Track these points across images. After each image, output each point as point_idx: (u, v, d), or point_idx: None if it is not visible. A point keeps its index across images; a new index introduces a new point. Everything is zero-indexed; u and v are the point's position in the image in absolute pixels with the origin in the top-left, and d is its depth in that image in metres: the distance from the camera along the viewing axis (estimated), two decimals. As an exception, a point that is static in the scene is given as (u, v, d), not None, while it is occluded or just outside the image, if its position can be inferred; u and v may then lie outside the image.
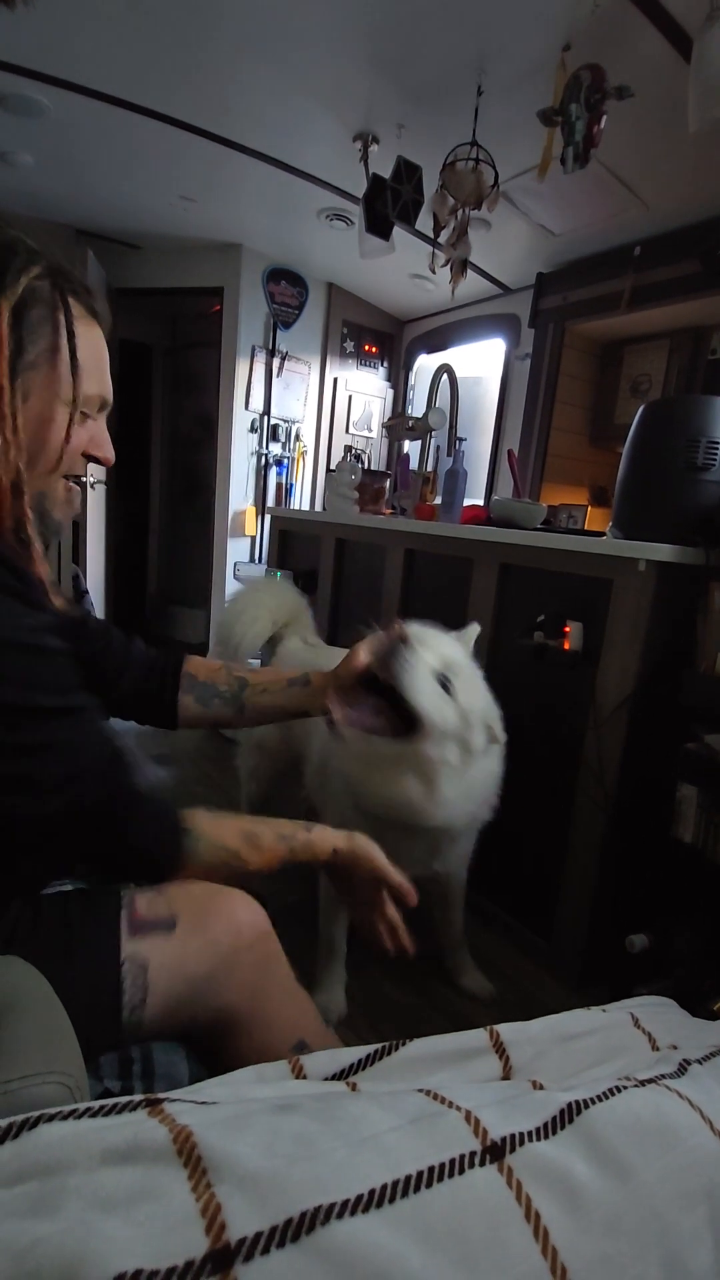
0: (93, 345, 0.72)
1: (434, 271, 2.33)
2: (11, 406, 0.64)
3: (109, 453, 0.78)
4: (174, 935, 0.69)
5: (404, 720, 1.01)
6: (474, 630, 1.27)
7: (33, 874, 0.72)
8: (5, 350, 0.63)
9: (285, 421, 3.60)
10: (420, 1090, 0.48)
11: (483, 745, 1.10)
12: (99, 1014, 0.63)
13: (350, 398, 3.81)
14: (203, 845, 0.75)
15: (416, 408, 3.80)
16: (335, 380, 3.74)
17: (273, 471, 3.60)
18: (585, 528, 2.67)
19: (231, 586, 3.61)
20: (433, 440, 2.41)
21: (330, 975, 1.39)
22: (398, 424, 2.49)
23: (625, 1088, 0.50)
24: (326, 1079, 0.58)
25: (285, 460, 3.62)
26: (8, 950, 0.58)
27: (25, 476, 0.67)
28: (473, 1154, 0.41)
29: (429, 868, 1.28)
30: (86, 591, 3.23)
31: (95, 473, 3.37)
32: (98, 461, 0.78)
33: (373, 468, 3.73)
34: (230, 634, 1.68)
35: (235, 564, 3.61)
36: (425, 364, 3.76)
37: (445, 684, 1.04)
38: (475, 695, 1.10)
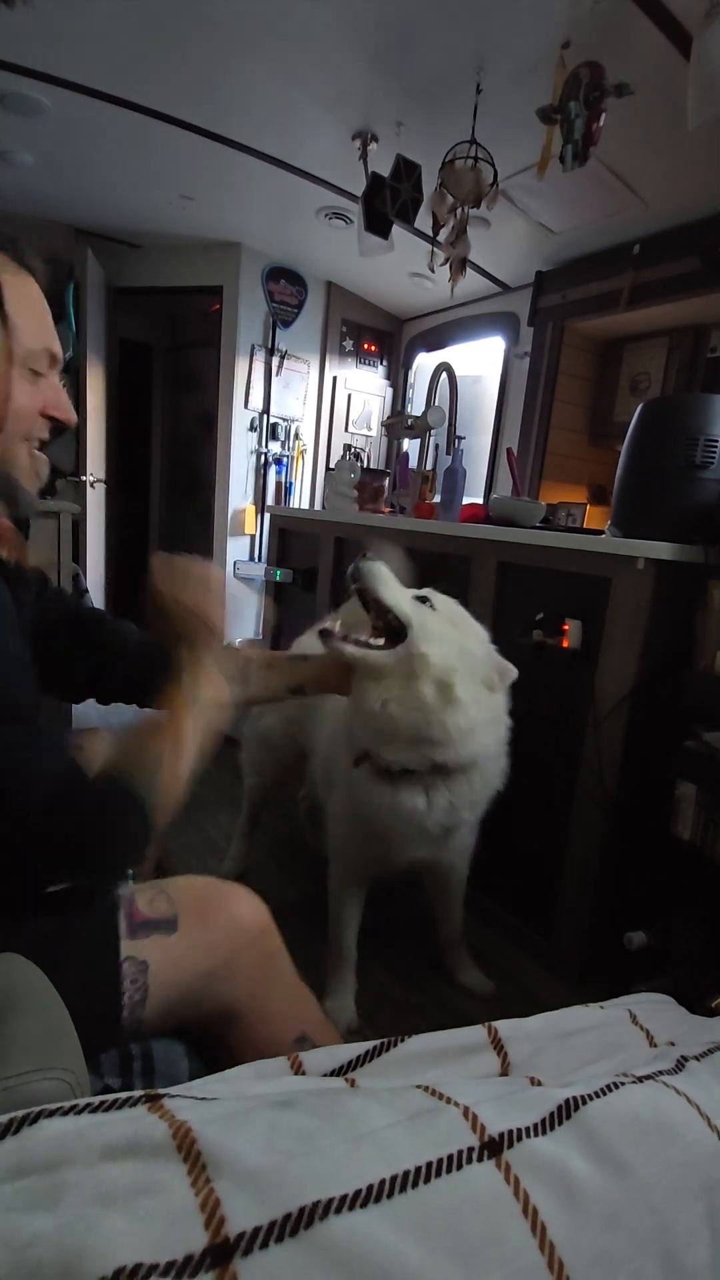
0: (29, 298, 0.68)
1: (433, 270, 2.33)
2: None
3: (70, 413, 0.74)
4: (175, 936, 0.69)
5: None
6: None
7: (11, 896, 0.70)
8: None
9: (285, 420, 3.60)
10: (419, 1086, 0.48)
11: (481, 655, 1.13)
12: (99, 1014, 0.63)
13: (349, 396, 3.81)
14: (151, 794, 0.70)
15: (416, 406, 3.80)
16: (334, 379, 3.74)
17: (272, 470, 3.60)
18: (584, 526, 2.68)
19: (232, 585, 3.60)
20: (432, 439, 2.41)
21: (340, 982, 1.38)
22: (397, 422, 2.49)
23: (623, 1084, 0.50)
24: (325, 1075, 0.58)
25: (285, 459, 3.62)
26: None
27: None
28: (471, 1150, 0.41)
29: (438, 853, 1.28)
30: (86, 590, 3.23)
31: (95, 471, 3.37)
32: (59, 423, 0.74)
33: (372, 466, 3.73)
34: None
35: (235, 562, 3.61)
36: (424, 362, 3.76)
37: (424, 600, 1.13)
38: (459, 612, 1.17)
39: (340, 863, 1.36)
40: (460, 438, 2.25)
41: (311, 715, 1.54)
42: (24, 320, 0.67)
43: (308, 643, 1.68)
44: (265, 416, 3.52)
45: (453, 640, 1.11)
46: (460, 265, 2.15)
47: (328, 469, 3.68)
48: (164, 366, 4.83)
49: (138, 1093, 0.44)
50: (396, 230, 2.31)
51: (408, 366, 3.90)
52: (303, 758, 1.64)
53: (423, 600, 1.14)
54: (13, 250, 0.67)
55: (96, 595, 3.54)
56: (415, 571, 1.94)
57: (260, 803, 1.81)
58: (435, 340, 3.68)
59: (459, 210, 2.03)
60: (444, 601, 1.17)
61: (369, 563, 1.11)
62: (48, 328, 0.70)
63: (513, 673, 1.16)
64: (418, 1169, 0.39)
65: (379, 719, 1.10)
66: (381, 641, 1.09)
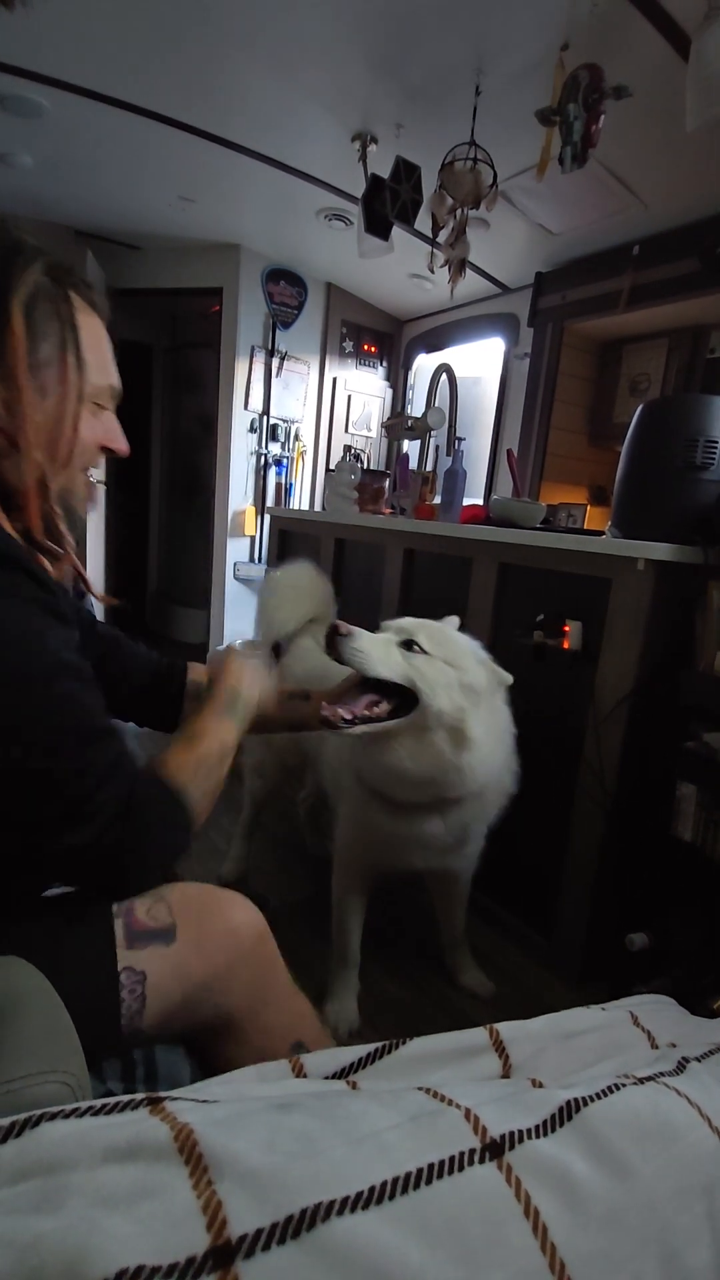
0: (98, 337, 0.72)
1: (433, 271, 2.33)
2: (30, 405, 0.65)
3: (123, 444, 0.79)
4: (173, 947, 0.69)
5: (402, 703, 1.06)
6: (452, 622, 1.27)
7: (38, 903, 0.72)
8: (22, 350, 0.63)
9: (284, 421, 3.60)
10: (420, 1088, 0.48)
11: (484, 679, 1.10)
12: (97, 1023, 0.63)
13: (349, 397, 3.81)
14: (192, 794, 0.75)
15: (416, 407, 3.80)
16: (334, 380, 3.74)
17: (272, 471, 3.60)
18: (584, 527, 2.68)
19: (231, 586, 3.62)
20: (432, 440, 2.41)
21: (343, 985, 1.38)
22: (397, 423, 2.49)
23: (624, 1085, 0.51)
24: (327, 1078, 0.58)
25: (284, 460, 3.63)
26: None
27: (49, 473, 0.67)
28: (472, 1151, 0.41)
29: (447, 862, 1.28)
30: (88, 590, 3.23)
31: (95, 472, 3.37)
32: (113, 453, 0.78)
33: (372, 467, 3.73)
34: (273, 617, 1.71)
35: (235, 564, 3.61)
36: (424, 363, 3.76)
37: (410, 644, 1.08)
38: (449, 641, 1.12)
39: (345, 868, 1.36)
40: (460, 439, 2.25)
41: None
42: (94, 359, 0.71)
43: (305, 646, 1.69)
44: (265, 418, 3.52)
45: (453, 679, 1.07)
46: (460, 266, 2.15)
47: (328, 470, 3.69)
48: (164, 368, 4.84)
49: (139, 1096, 0.44)
50: (396, 231, 2.31)
51: (408, 368, 3.90)
52: (305, 760, 1.64)
53: (409, 644, 1.08)
54: (84, 291, 0.71)
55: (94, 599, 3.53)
56: (414, 571, 1.95)
57: (261, 804, 1.81)
58: (435, 341, 3.68)
59: (458, 211, 2.04)
60: (431, 635, 1.10)
61: (346, 641, 1.03)
62: (112, 364, 0.75)
63: (508, 679, 1.15)
64: (419, 1171, 0.39)
65: (394, 772, 1.09)
66: (383, 706, 1.05)
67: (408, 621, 1.13)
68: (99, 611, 3.55)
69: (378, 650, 1.05)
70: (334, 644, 1.03)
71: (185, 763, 0.77)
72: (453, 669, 1.07)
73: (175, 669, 1.03)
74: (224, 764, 0.81)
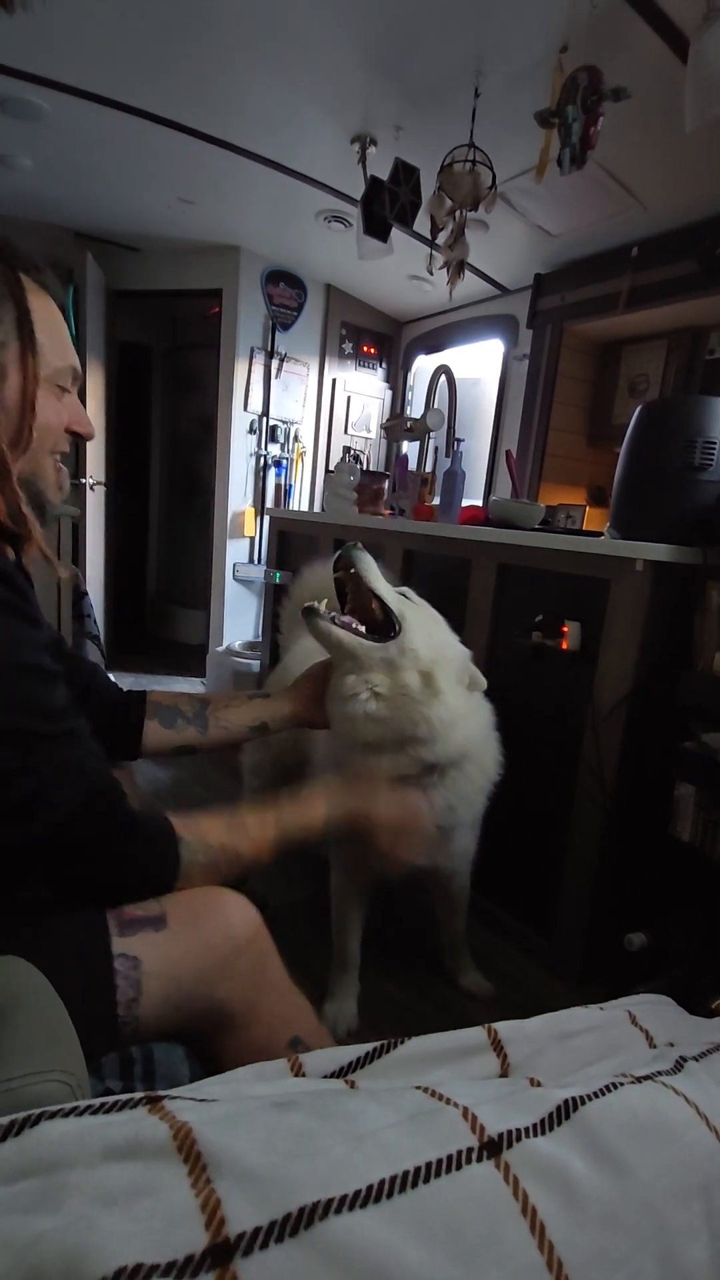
0: (53, 318, 0.72)
1: (432, 273, 2.34)
2: None
3: (90, 427, 0.79)
4: (165, 931, 0.70)
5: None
6: None
7: (26, 903, 0.72)
8: None
9: (284, 422, 3.60)
10: (418, 1087, 0.48)
11: (455, 653, 1.15)
12: (94, 1013, 0.64)
13: (349, 399, 3.82)
14: (195, 851, 0.75)
15: (415, 408, 3.81)
16: (334, 381, 3.74)
17: (271, 472, 3.60)
18: (583, 528, 2.68)
19: (231, 587, 3.62)
20: (431, 441, 2.42)
21: (343, 986, 1.38)
22: (396, 425, 2.49)
23: (622, 1084, 0.51)
24: (325, 1077, 0.58)
25: (284, 461, 3.63)
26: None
27: (10, 457, 0.67)
28: (470, 1150, 0.41)
29: (437, 859, 1.27)
30: (86, 593, 3.23)
31: (95, 473, 3.38)
32: (80, 436, 0.78)
33: (371, 468, 3.73)
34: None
35: (234, 565, 3.61)
36: (423, 365, 3.77)
37: (404, 597, 1.15)
38: (433, 611, 1.18)
39: (341, 868, 1.36)
40: (459, 440, 2.25)
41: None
42: (49, 340, 0.70)
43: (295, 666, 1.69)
44: (265, 419, 3.53)
45: (435, 634, 1.13)
46: (459, 268, 2.15)
47: (327, 471, 3.69)
48: (163, 369, 4.84)
49: (138, 1094, 0.44)
50: (395, 233, 2.32)
51: (407, 369, 3.90)
52: (303, 761, 1.64)
53: (403, 596, 1.15)
54: (35, 273, 0.70)
55: (96, 597, 3.54)
56: (414, 572, 1.95)
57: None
58: (434, 343, 3.68)
59: (457, 213, 2.04)
60: (421, 602, 1.19)
61: (358, 551, 1.09)
62: (69, 346, 0.74)
63: (483, 682, 1.18)
64: (417, 1169, 0.39)
65: (361, 716, 1.08)
66: (364, 630, 1.08)
67: (403, 587, 1.19)
68: (99, 607, 3.55)
69: (380, 576, 1.11)
70: (344, 552, 1.08)
71: (214, 836, 0.77)
72: (433, 622, 1.14)
73: (133, 700, 1.02)
74: (236, 865, 0.79)
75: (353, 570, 1.10)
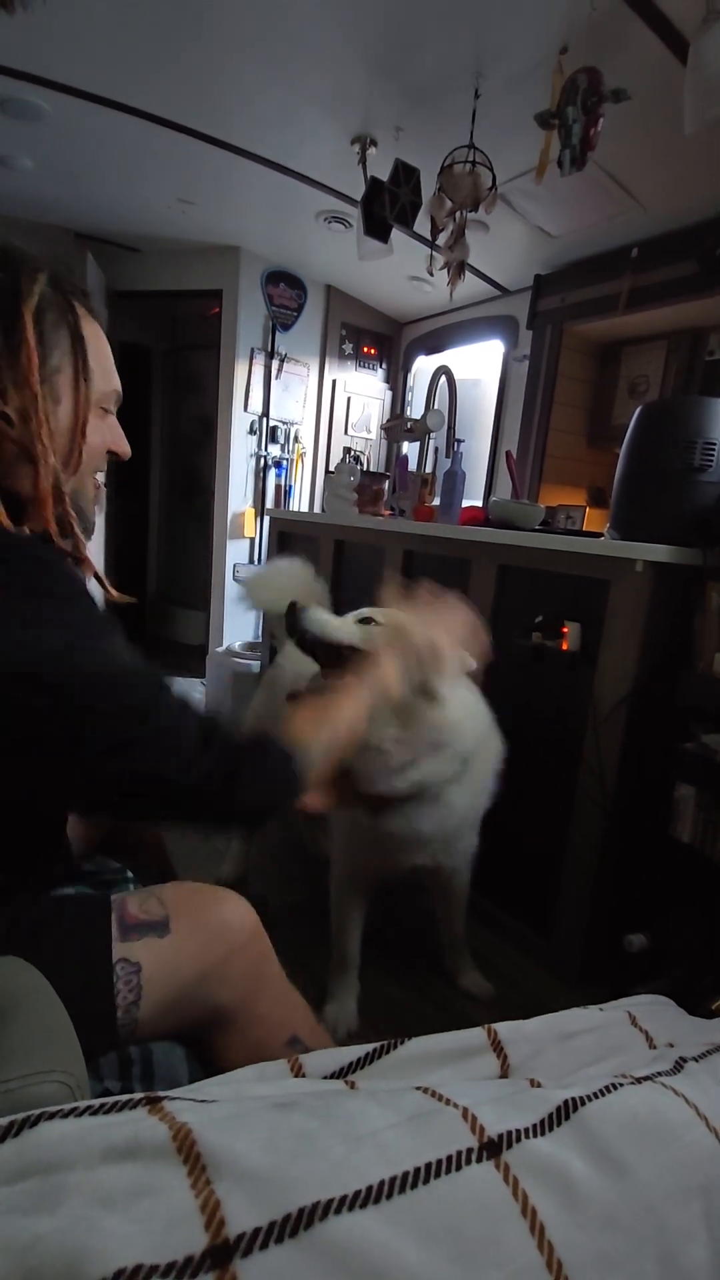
0: (100, 344, 0.74)
1: (432, 274, 2.34)
2: (45, 412, 0.66)
3: (126, 447, 0.81)
4: (167, 939, 0.70)
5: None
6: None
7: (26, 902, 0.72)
8: (35, 359, 0.65)
9: (284, 423, 3.60)
10: (418, 1088, 0.48)
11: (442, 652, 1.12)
12: (92, 1015, 0.64)
13: (349, 399, 3.82)
14: (309, 752, 0.77)
15: (415, 409, 3.81)
16: (334, 382, 3.74)
17: (272, 473, 3.60)
18: (583, 529, 2.68)
19: (231, 588, 3.62)
20: (431, 441, 2.42)
21: (343, 986, 1.38)
22: (396, 425, 2.49)
23: (622, 1085, 0.51)
24: (325, 1077, 0.58)
25: (284, 462, 3.63)
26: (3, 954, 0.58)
27: (63, 479, 0.69)
28: (470, 1151, 0.41)
29: (439, 858, 1.27)
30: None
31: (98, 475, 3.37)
32: (117, 456, 0.80)
33: (371, 469, 3.73)
34: (255, 596, 1.75)
35: (234, 565, 3.61)
36: (424, 366, 3.77)
37: (366, 621, 1.13)
38: (401, 617, 1.14)
39: (342, 869, 1.36)
40: (459, 440, 2.25)
41: None
42: (97, 365, 0.73)
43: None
44: (265, 419, 3.53)
45: (409, 647, 1.09)
46: (459, 269, 2.15)
47: (327, 472, 3.69)
48: (163, 370, 4.84)
49: (138, 1095, 0.44)
50: (395, 234, 2.32)
51: (407, 370, 3.90)
52: None
53: (366, 621, 1.13)
54: (84, 300, 0.72)
55: (96, 597, 3.53)
56: (413, 573, 1.95)
57: None
58: (434, 343, 3.68)
59: (457, 214, 2.04)
60: (385, 615, 1.14)
61: (301, 613, 1.09)
62: (113, 369, 0.76)
63: (471, 661, 1.16)
64: (417, 1170, 0.39)
65: (387, 755, 1.09)
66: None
67: (364, 609, 1.18)
68: (100, 606, 3.54)
69: (333, 620, 1.10)
70: (292, 616, 1.08)
71: (312, 722, 0.80)
72: (402, 635, 1.10)
73: None
74: (347, 737, 0.83)
75: (309, 632, 1.09)
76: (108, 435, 0.77)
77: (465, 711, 1.12)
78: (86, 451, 0.72)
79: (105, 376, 0.74)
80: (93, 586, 0.74)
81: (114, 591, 0.84)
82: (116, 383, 0.77)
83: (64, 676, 0.60)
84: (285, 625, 1.11)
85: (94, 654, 0.62)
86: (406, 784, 1.13)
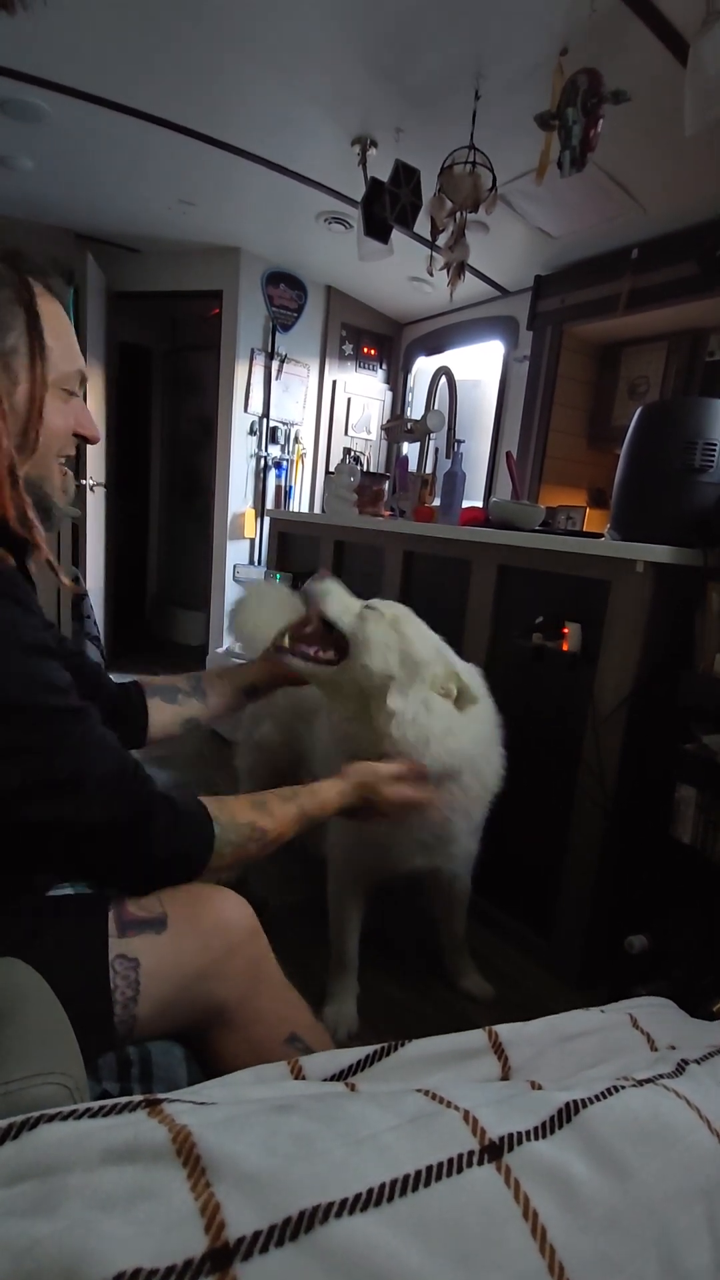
0: (60, 322, 0.72)
1: (432, 274, 2.34)
2: (1, 393, 0.65)
3: (95, 430, 0.79)
4: (165, 935, 0.70)
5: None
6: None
7: (27, 902, 0.72)
8: None
9: (284, 424, 3.60)
10: (419, 1090, 0.48)
11: (432, 657, 1.13)
12: (90, 1012, 0.64)
13: (349, 400, 3.82)
14: (227, 829, 0.76)
15: (415, 410, 3.81)
16: (334, 383, 3.75)
17: (272, 474, 3.60)
18: (584, 529, 2.68)
19: (231, 589, 3.62)
20: (431, 442, 2.42)
21: (342, 987, 1.38)
22: (396, 426, 2.49)
23: (623, 1087, 0.50)
24: (325, 1079, 0.58)
25: (284, 462, 3.63)
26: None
27: (18, 461, 0.67)
28: (471, 1153, 0.41)
29: (436, 860, 1.27)
30: (86, 594, 3.23)
31: (95, 475, 3.38)
32: (86, 440, 0.78)
33: (371, 470, 3.73)
34: (239, 630, 1.73)
35: (234, 566, 3.61)
36: (424, 366, 3.77)
37: (371, 609, 1.15)
38: (404, 616, 1.16)
39: (339, 870, 1.36)
40: (460, 441, 2.25)
41: (306, 720, 1.54)
42: (57, 344, 0.71)
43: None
44: (265, 420, 3.53)
45: (394, 644, 1.10)
46: (459, 270, 2.15)
47: (327, 472, 3.69)
48: (164, 370, 4.85)
49: (137, 1097, 0.44)
50: (395, 235, 2.32)
51: (407, 370, 3.91)
52: (297, 762, 1.64)
53: (370, 609, 1.15)
54: (42, 277, 0.71)
55: (96, 598, 3.54)
56: (414, 573, 1.95)
57: None
58: (434, 344, 3.69)
59: (458, 215, 2.04)
60: (391, 607, 1.16)
61: (317, 582, 1.13)
62: (76, 349, 0.75)
63: (473, 673, 1.17)
64: (418, 1172, 0.39)
65: (345, 738, 1.13)
66: (331, 654, 1.11)
67: (378, 599, 1.19)
68: (99, 608, 3.55)
69: (340, 597, 1.13)
70: (307, 584, 1.12)
71: (240, 816, 0.78)
72: (395, 634, 1.12)
73: (130, 689, 1.03)
74: (265, 848, 0.81)
75: (310, 597, 1.13)
76: (71, 418, 0.75)
77: (435, 730, 1.10)
78: (45, 434, 0.70)
79: (66, 356, 0.72)
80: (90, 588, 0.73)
81: (66, 580, 0.82)
82: (79, 362, 0.75)
83: None
84: (301, 590, 1.15)
85: None
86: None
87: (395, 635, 1.11)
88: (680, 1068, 0.57)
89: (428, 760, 1.08)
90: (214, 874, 0.76)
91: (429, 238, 2.16)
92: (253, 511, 3.58)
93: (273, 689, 1.18)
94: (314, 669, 1.10)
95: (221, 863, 0.75)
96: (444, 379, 2.33)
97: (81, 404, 0.77)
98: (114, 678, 1.03)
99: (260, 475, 3.58)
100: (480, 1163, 0.41)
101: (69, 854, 0.68)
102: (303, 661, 1.10)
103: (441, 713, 1.10)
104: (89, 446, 0.83)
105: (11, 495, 0.67)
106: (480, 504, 3.05)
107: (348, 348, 3.76)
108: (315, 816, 0.87)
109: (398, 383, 3.98)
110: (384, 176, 2.17)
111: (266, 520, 3.34)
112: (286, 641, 1.11)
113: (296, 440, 3.67)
